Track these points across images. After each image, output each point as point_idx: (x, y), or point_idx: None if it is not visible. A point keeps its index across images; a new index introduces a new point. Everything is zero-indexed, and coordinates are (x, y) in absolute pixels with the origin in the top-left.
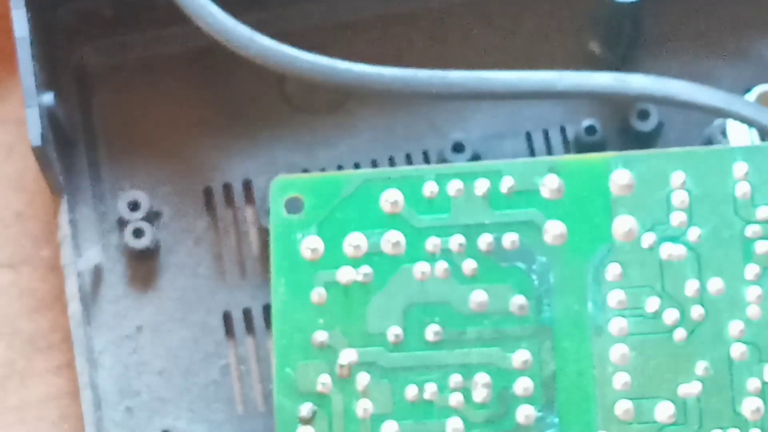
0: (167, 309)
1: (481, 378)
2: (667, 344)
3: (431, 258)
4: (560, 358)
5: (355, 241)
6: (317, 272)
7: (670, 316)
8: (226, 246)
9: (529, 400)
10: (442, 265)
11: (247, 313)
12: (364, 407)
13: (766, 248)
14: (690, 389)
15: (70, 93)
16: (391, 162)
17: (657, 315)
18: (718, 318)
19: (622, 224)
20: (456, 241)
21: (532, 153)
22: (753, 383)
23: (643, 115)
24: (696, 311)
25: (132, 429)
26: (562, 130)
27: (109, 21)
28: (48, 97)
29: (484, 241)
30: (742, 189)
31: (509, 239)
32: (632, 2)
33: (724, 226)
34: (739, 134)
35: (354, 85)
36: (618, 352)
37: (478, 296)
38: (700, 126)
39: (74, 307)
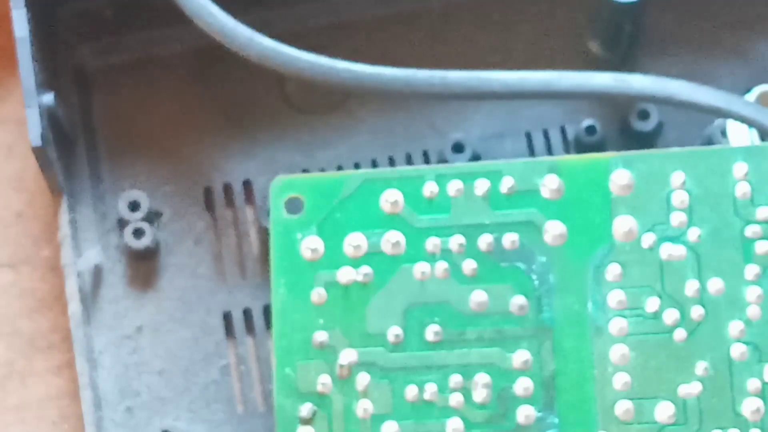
0: (167, 309)
1: (481, 378)
2: (667, 344)
3: (431, 258)
4: (560, 358)
5: (355, 241)
6: (317, 272)
7: (670, 316)
8: (226, 246)
9: (529, 400)
10: (442, 265)
11: (247, 313)
12: (364, 407)
13: (766, 248)
14: (690, 389)
15: (70, 93)
16: (391, 162)
17: (657, 315)
18: (718, 318)
19: (622, 224)
20: (456, 241)
21: (532, 153)
22: (753, 383)
23: (643, 115)
24: (696, 311)
25: (132, 429)
26: (562, 130)
27: (109, 21)
28: (48, 97)
29: (484, 241)
30: (742, 189)
31: (509, 239)
32: (632, 2)
33: (724, 226)
34: (739, 134)
35: (354, 85)
36: (618, 352)
37: (478, 296)
38: (700, 126)
39: (74, 307)
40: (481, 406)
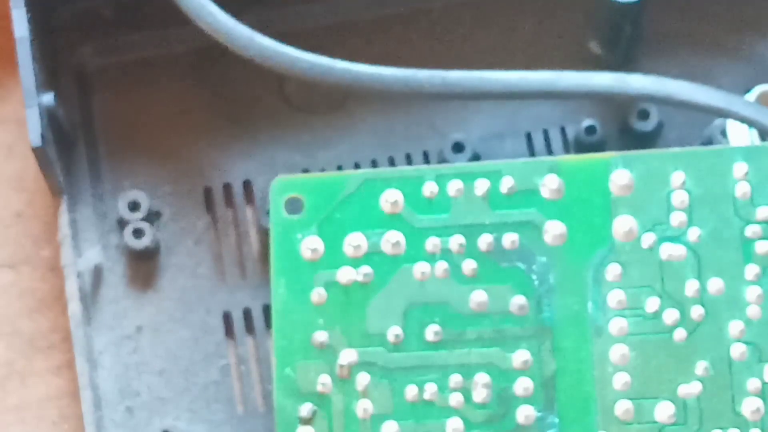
0: (167, 309)
1: (481, 378)
2: (667, 344)
3: (431, 258)
4: (560, 358)
5: (355, 241)
6: (317, 272)
7: (670, 316)
8: (226, 246)
9: (529, 400)
10: (442, 265)
11: (247, 313)
12: (364, 407)
13: (766, 248)
14: (690, 389)
15: (70, 93)
16: (391, 162)
17: (657, 315)
18: (718, 318)
19: (622, 224)
20: (456, 241)
21: (532, 153)
22: (753, 383)
23: (643, 115)
24: (696, 311)
25: (132, 429)
26: (562, 130)
27: (109, 21)
28: (48, 97)
29: (484, 241)
30: (742, 189)
31: (509, 239)
32: (632, 2)
33: (724, 226)
34: (739, 134)
35: (354, 85)
36: (618, 352)
37: (478, 296)
38: (700, 126)
39: (74, 307)
40: (481, 406)
